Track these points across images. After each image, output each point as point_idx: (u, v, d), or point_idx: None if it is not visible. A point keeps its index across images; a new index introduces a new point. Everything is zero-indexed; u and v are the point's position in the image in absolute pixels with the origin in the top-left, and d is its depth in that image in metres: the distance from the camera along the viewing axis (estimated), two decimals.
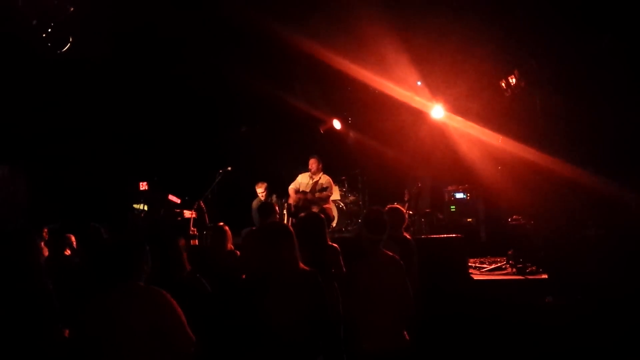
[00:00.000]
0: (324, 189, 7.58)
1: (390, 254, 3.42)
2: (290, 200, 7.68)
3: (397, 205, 4.56)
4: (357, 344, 3.24)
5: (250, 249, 4.49)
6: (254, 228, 5.14)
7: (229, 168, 7.85)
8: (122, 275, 2.42)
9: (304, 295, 2.81)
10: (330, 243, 4.14)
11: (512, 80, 7.23)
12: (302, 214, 7.58)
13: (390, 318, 3.28)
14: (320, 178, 7.68)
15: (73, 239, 5.00)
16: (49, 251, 4.69)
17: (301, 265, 2.93)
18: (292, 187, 7.79)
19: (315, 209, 7.56)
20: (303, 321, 2.80)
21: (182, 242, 3.44)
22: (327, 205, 7.69)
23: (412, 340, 3.36)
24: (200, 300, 3.19)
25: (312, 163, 7.70)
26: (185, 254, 3.40)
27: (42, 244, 4.95)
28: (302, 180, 7.81)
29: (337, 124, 9.65)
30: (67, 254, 4.74)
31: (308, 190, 7.65)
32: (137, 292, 2.40)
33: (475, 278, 5.83)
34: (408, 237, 4.40)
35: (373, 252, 3.39)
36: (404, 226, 4.40)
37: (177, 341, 2.37)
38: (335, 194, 9.02)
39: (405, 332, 3.32)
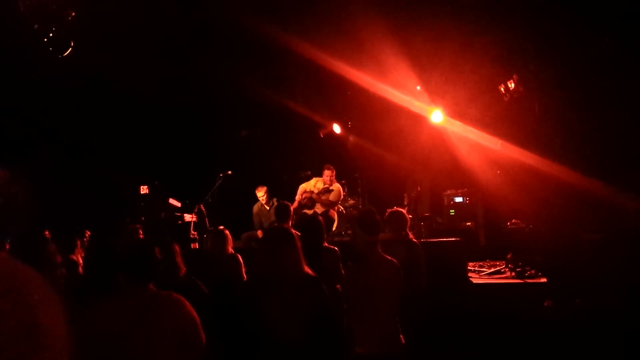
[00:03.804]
0: (329, 191, 7.66)
1: (389, 257, 3.41)
2: (296, 197, 7.73)
3: (399, 208, 4.59)
4: (351, 348, 3.23)
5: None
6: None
7: (230, 172, 7.88)
8: (133, 279, 2.39)
9: (306, 299, 2.81)
10: (329, 246, 4.12)
11: (511, 85, 7.26)
12: (304, 212, 7.68)
13: (386, 321, 3.26)
14: (333, 186, 7.78)
15: (78, 242, 5.03)
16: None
17: (306, 269, 2.92)
18: (303, 186, 7.85)
19: (318, 210, 7.61)
20: (304, 325, 2.79)
21: (176, 245, 3.45)
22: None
23: (410, 343, 3.36)
24: (196, 303, 3.21)
25: (330, 175, 7.68)
26: (180, 257, 3.41)
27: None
28: (314, 184, 7.89)
29: (337, 128, 9.69)
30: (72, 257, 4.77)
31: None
32: (154, 297, 2.38)
33: (474, 282, 5.85)
34: (413, 239, 4.43)
35: (371, 254, 3.36)
36: (408, 228, 4.43)
37: (192, 346, 2.38)
38: None
39: (401, 336, 3.31)
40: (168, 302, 2.38)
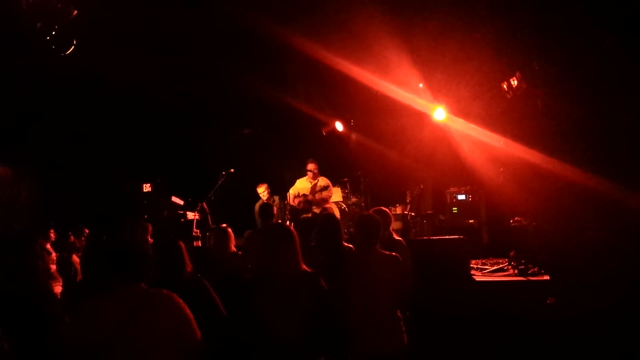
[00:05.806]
0: (324, 188, 7.69)
1: (387, 252, 3.44)
2: (291, 203, 7.76)
3: (382, 208, 4.57)
4: (351, 346, 3.23)
5: (252, 250, 4.52)
6: (255, 230, 5.20)
7: (232, 170, 7.91)
8: (125, 278, 2.37)
9: (304, 296, 2.80)
10: (347, 245, 4.14)
11: (514, 82, 7.23)
12: (305, 215, 7.69)
13: (387, 319, 3.27)
14: (319, 180, 7.80)
15: (72, 239, 5.05)
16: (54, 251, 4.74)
17: (303, 266, 2.92)
18: (291, 192, 7.90)
19: (316, 210, 7.63)
20: (303, 322, 2.79)
21: (181, 243, 3.45)
22: (328, 206, 7.75)
23: (413, 341, 3.36)
24: (201, 300, 3.21)
25: (313, 168, 7.78)
26: (187, 255, 3.42)
27: (49, 245, 5.01)
28: (301, 185, 7.91)
29: (339, 126, 9.68)
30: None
31: (308, 192, 7.76)
32: (145, 295, 2.36)
33: (477, 279, 5.83)
34: (398, 238, 4.44)
35: (369, 253, 3.41)
36: (391, 227, 4.44)
37: (186, 342, 2.36)
38: (338, 196, 9.07)
39: (404, 335, 3.31)
40: (159, 299, 2.36)
